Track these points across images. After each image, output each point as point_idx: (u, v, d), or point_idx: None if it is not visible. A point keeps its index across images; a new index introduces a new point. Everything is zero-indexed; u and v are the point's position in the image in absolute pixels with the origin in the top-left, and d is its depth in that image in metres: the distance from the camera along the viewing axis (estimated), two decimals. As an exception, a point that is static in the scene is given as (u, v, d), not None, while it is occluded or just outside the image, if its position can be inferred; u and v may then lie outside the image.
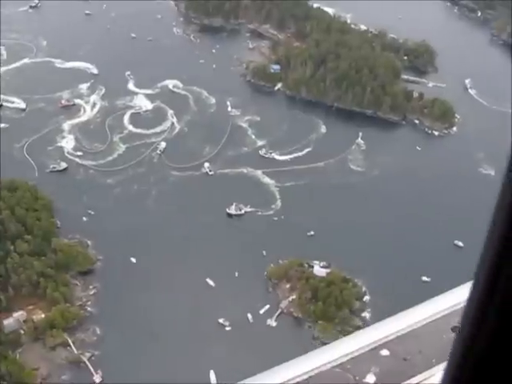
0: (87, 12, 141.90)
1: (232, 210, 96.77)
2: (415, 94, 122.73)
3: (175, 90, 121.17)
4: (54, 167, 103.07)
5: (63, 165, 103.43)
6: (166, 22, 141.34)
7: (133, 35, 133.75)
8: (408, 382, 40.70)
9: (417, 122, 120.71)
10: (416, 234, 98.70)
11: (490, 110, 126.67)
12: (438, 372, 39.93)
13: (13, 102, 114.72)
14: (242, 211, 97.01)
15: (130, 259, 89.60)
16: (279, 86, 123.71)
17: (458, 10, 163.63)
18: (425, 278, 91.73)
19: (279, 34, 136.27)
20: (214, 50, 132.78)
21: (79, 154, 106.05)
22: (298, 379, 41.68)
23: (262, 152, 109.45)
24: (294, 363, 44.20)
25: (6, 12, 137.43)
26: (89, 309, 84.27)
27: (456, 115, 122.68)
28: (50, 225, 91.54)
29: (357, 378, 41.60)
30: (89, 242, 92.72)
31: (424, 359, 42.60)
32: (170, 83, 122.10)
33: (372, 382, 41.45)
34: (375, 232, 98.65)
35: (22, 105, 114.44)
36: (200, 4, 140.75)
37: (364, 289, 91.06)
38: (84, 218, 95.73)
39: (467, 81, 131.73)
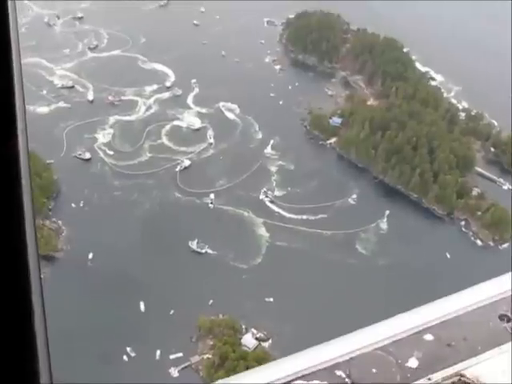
0: (195, 22, 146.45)
1: (193, 245, 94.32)
2: (475, 192, 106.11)
3: (229, 114, 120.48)
4: (80, 154, 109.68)
5: (87, 155, 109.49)
6: (264, 47, 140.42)
7: (223, 53, 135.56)
8: (452, 368, 39.11)
9: (463, 223, 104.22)
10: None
11: None
12: (484, 360, 38.66)
13: (87, 89, 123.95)
14: (203, 250, 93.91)
15: (88, 255, 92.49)
16: (333, 140, 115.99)
17: None
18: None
19: (366, 89, 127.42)
20: (290, 87, 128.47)
21: (107, 149, 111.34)
22: (339, 359, 41.72)
23: (262, 193, 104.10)
24: (334, 343, 43.57)
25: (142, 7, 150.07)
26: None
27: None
28: (38, 204, 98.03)
29: (399, 361, 40.21)
30: (64, 230, 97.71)
31: (469, 346, 40.64)
32: (228, 107, 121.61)
33: (414, 366, 40.30)
34: (340, 327, 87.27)
35: (90, 97, 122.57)
36: (300, 38, 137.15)
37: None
38: (73, 205, 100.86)
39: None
